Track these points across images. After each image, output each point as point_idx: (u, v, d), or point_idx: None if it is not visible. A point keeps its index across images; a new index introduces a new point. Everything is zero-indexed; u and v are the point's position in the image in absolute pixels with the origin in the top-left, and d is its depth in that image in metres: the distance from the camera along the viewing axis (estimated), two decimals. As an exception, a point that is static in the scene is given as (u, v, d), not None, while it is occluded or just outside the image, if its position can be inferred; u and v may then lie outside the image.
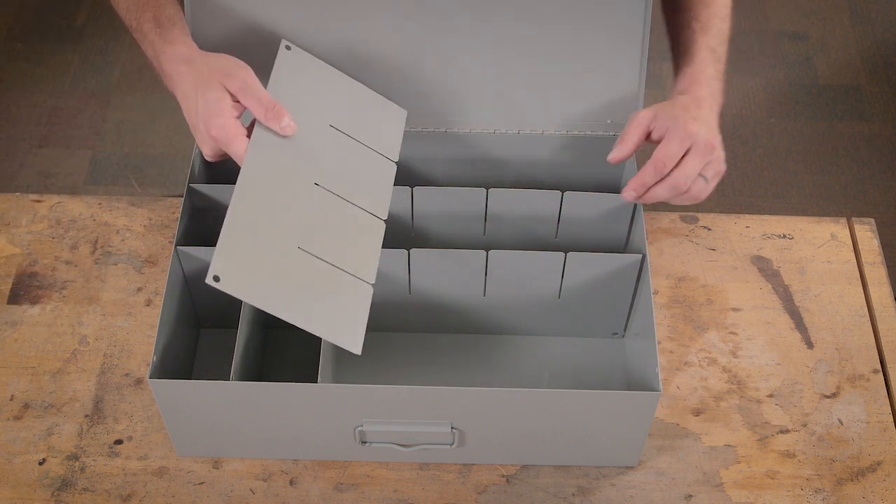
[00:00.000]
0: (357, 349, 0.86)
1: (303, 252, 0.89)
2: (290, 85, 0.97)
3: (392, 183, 0.98)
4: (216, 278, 0.82)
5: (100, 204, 1.20)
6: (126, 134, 2.30)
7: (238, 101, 0.92)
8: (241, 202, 0.87)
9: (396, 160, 1.00)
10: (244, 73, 0.92)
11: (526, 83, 1.06)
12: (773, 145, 2.32)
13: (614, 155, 0.98)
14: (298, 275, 0.88)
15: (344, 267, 0.90)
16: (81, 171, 2.21)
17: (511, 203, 1.05)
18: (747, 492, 1.00)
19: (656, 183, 0.95)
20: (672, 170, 0.94)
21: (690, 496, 1.00)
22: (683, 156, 0.94)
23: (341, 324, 0.87)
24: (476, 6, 1.01)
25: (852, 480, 1.01)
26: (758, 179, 2.25)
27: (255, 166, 0.90)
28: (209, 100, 0.91)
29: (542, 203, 1.05)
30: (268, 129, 0.92)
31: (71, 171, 2.23)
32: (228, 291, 0.82)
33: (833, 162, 2.29)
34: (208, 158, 0.95)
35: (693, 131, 0.94)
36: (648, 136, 0.98)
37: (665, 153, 0.94)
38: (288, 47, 1.00)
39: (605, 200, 1.04)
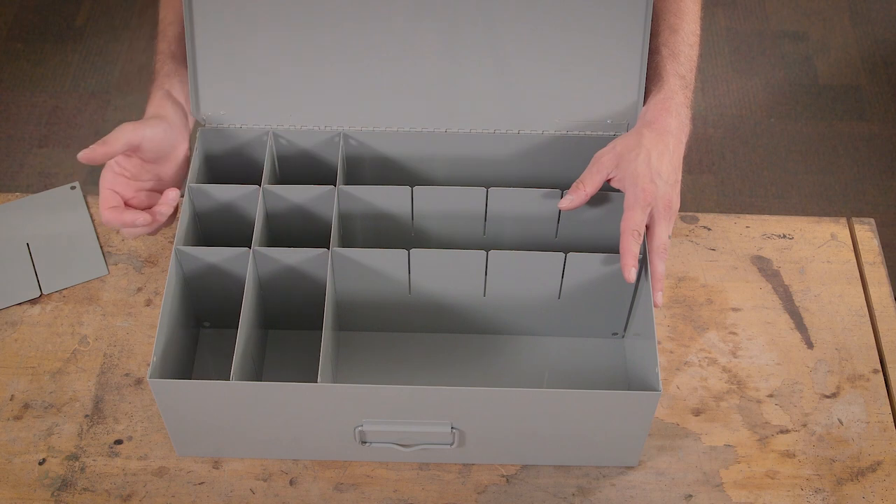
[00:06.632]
0: None
1: None
2: None
3: None
4: None
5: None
6: (126, 134, 2.30)
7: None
8: None
9: None
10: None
11: (526, 83, 1.06)
12: (773, 145, 2.32)
13: (567, 204, 0.99)
14: None
15: None
16: (81, 171, 2.21)
17: (511, 203, 1.05)
18: (747, 492, 1.00)
19: (651, 260, 0.97)
20: (650, 241, 0.97)
21: (690, 496, 1.00)
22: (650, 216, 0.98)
23: None
24: (477, 7, 1.01)
25: (852, 480, 1.01)
26: (758, 179, 2.24)
27: None
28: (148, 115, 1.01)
29: (542, 203, 1.05)
30: None
31: (71, 171, 2.23)
32: None
33: (833, 162, 2.29)
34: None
35: (651, 194, 0.96)
36: (608, 179, 1.00)
37: (634, 223, 0.96)
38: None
39: (605, 201, 1.04)
